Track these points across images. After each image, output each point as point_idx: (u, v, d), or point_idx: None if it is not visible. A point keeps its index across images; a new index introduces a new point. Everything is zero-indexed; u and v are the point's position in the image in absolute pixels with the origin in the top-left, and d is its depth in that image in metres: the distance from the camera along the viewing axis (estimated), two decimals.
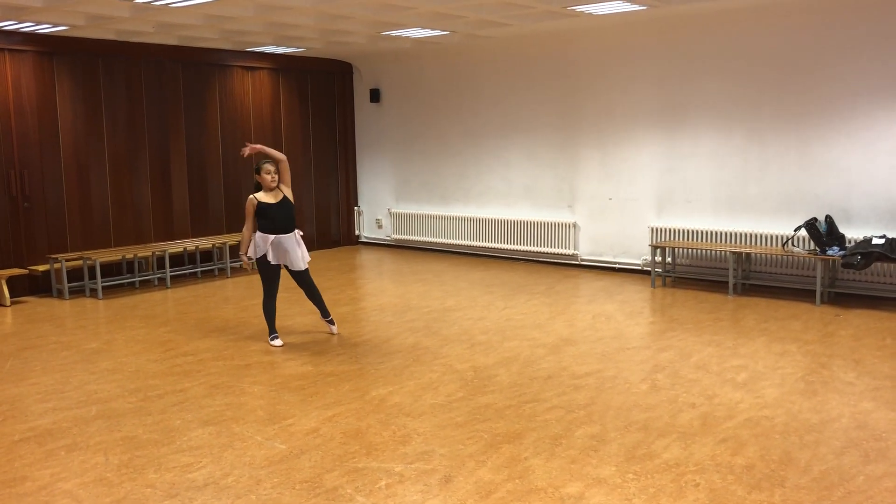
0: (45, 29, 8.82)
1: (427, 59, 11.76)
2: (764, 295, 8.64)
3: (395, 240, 12.74)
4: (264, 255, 6.59)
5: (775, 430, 4.69)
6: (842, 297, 8.40)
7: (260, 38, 10.08)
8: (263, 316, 6.91)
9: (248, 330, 7.41)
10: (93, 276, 9.39)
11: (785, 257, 8.73)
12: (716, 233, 9.27)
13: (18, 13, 7.88)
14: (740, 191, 9.09)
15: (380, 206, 12.97)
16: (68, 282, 9.22)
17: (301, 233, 6.87)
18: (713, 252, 9.31)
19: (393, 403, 5.27)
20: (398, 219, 12.62)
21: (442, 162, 11.97)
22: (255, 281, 8.92)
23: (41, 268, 9.27)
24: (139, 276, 9.83)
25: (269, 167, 6.63)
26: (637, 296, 8.78)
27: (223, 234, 11.19)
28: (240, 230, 10.33)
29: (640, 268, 10.05)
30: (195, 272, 10.47)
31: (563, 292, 9.02)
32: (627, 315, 7.83)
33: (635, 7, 8.21)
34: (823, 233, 8.15)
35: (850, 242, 8.20)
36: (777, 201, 8.84)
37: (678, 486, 3.96)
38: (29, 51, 9.12)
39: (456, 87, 11.63)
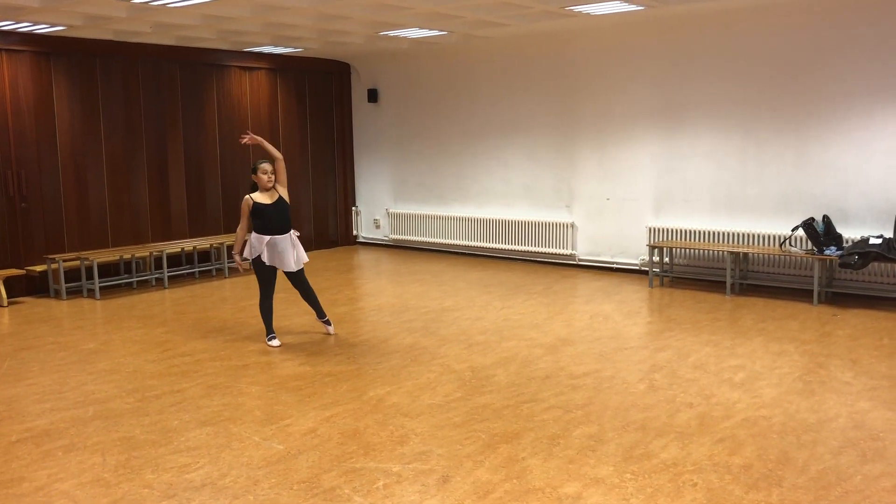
0: (42, 29, 8.81)
1: (425, 60, 11.76)
2: (761, 295, 8.65)
3: (393, 240, 12.73)
4: (259, 256, 6.58)
5: (773, 430, 4.69)
6: (839, 297, 8.41)
7: (257, 39, 10.07)
8: (261, 316, 6.90)
9: (245, 330, 7.40)
10: (90, 277, 9.38)
11: (782, 257, 8.74)
12: (713, 233, 9.28)
13: (16, 13, 7.87)
14: (738, 191, 9.10)
15: (378, 207, 12.97)
16: (66, 282, 9.21)
17: (297, 233, 6.86)
18: (711, 252, 9.32)
19: (391, 404, 5.27)
20: (396, 219, 12.62)
21: (440, 162, 11.97)
22: (253, 281, 8.91)
23: (38, 268, 9.26)
24: (137, 277, 9.82)
25: (266, 167, 6.61)
26: (635, 296, 8.78)
27: (221, 234, 11.19)
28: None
29: (637, 268, 10.06)
30: (193, 272, 10.46)
31: (561, 292, 9.03)
32: (625, 315, 7.83)
33: (633, 7, 8.21)
34: (821, 233, 8.16)
35: (847, 242, 8.21)
36: (775, 201, 8.85)
37: (676, 486, 3.96)
38: (26, 51, 9.11)
39: (454, 87, 11.63)
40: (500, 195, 11.34)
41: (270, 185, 6.62)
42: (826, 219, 8.23)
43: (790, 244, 8.57)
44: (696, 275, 9.49)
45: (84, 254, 9.38)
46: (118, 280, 9.70)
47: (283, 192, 6.71)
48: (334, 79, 12.75)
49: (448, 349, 6.62)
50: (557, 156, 10.64)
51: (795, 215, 8.65)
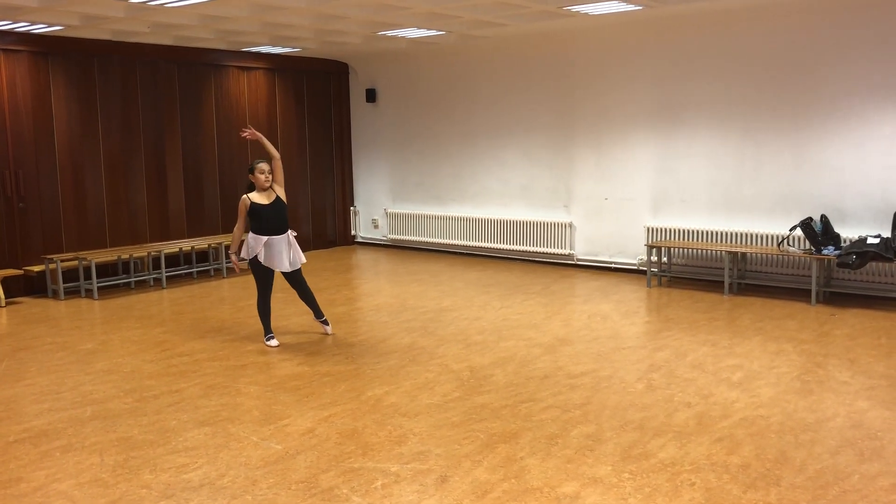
0: (39, 29, 8.80)
1: (423, 59, 11.76)
2: (759, 294, 8.66)
3: (392, 240, 12.73)
4: (256, 256, 6.57)
5: (771, 430, 4.70)
6: (837, 297, 8.42)
7: (255, 39, 10.07)
8: (259, 316, 6.89)
9: (243, 330, 7.40)
10: (88, 277, 9.37)
11: (780, 257, 8.75)
12: (711, 232, 9.28)
13: (13, 13, 7.86)
14: (736, 191, 9.11)
15: (376, 207, 12.97)
16: (63, 282, 9.20)
17: (295, 233, 6.85)
18: (709, 252, 9.32)
19: (389, 403, 5.27)
20: (394, 219, 12.62)
21: (438, 162, 11.97)
22: (251, 281, 8.91)
23: (36, 268, 9.25)
24: (135, 277, 9.82)
25: (264, 167, 6.59)
26: (633, 295, 8.79)
27: (219, 234, 11.18)
28: None
29: (635, 267, 10.06)
30: (191, 272, 10.46)
31: (559, 292, 9.03)
32: (623, 315, 7.83)
33: (631, 7, 8.21)
34: (819, 232, 8.16)
35: (845, 242, 8.22)
36: (772, 201, 8.86)
37: (674, 486, 3.97)
38: (24, 51, 9.10)
39: (452, 87, 11.63)
40: (498, 195, 11.34)
41: (268, 184, 6.60)
42: (824, 218, 8.24)
43: (788, 244, 8.57)
44: (694, 274, 9.50)
45: (82, 254, 9.38)
46: (116, 280, 9.69)
47: (281, 191, 6.69)
48: (332, 79, 12.74)
49: (446, 349, 6.62)
50: (555, 156, 10.64)
51: (793, 215, 8.66)
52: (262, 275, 6.67)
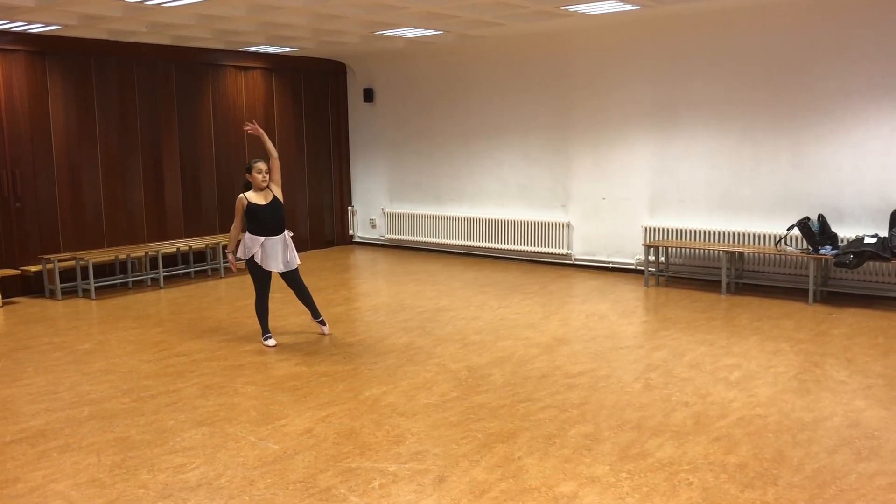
0: (36, 28, 8.78)
1: (420, 59, 11.75)
2: (757, 294, 8.66)
3: (389, 240, 12.73)
4: (253, 257, 6.55)
5: (768, 429, 4.70)
6: (834, 296, 8.43)
7: (253, 38, 10.06)
8: (256, 316, 6.89)
9: (241, 330, 7.39)
10: (85, 277, 9.35)
11: (778, 256, 8.76)
12: (709, 232, 9.29)
13: (10, 13, 7.85)
14: (733, 190, 9.12)
15: (374, 206, 12.97)
16: (61, 282, 9.19)
17: (291, 233, 6.83)
18: (706, 251, 9.33)
19: (387, 403, 5.27)
20: (392, 219, 12.62)
21: (436, 161, 11.96)
22: (249, 281, 8.91)
23: (33, 268, 9.24)
24: (132, 277, 9.80)
25: (261, 166, 6.57)
26: (630, 295, 8.79)
27: (216, 234, 11.17)
28: None
29: (633, 267, 10.07)
30: (188, 272, 10.45)
31: (557, 292, 9.03)
32: (621, 314, 7.84)
33: (628, 7, 8.22)
34: (816, 232, 8.17)
35: (842, 241, 8.23)
36: (770, 201, 8.87)
37: (671, 485, 3.97)
38: (21, 50, 9.09)
39: (450, 86, 11.63)
40: (495, 195, 11.34)
41: (265, 184, 6.59)
42: (821, 218, 8.25)
43: (785, 243, 8.58)
44: (692, 274, 9.51)
45: (79, 254, 9.36)
46: (113, 280, 9.68)
47: (278, 191, 6.67)
48: (330, 78, 12.74)
49: (444, 349, 6.62)
50: (553, 155, 10.64)
51: (791, 214, 8.67)
52: (260, 275, 6.66)
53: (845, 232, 8.34)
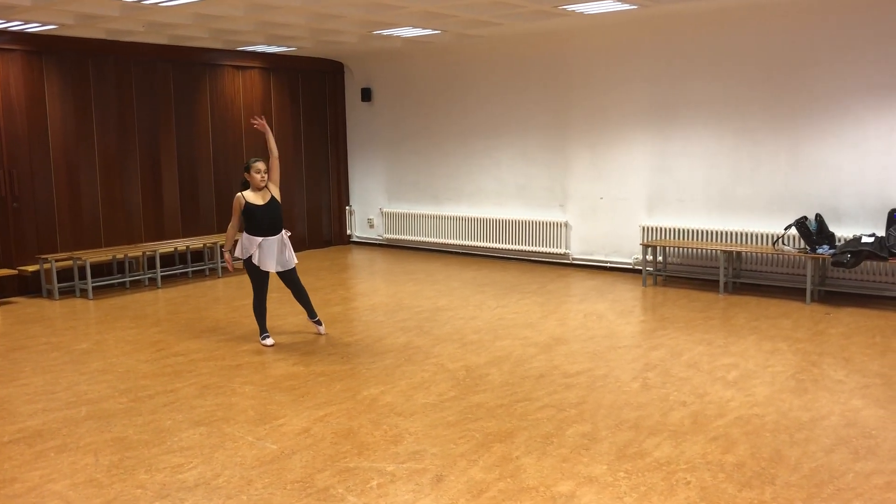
0: (34, 28, 8.77)
1: (418, 59, 11.75)
2: (754, 293, 8.67)
3: (387, 239, 12.73)
4: (251, 257, 6.54)
5: (766, 428, 4.71)
6: (832, 296, 8.44)
7: (251, 38, 10.05)
8: (254, 316, 6.88)
9: (239, 330, 7.39)
10: (83, 277, 9.34)
11: (775, 256, 8.76)
12: (707, 232, 9.30)
13: (7, 12, 7.84)
14: (731, 190, 9.12)
15: (371, 206, 12.96)
16: (58, 282, 9.18)
17: (289, 233, 6.82)
18: (704, 251, 9.34)
19: (384, 403, 5.27)
20: (390, 218, 12.61)
21: (434, 161, 11.96)
22: (246, 281, 8.90)
23: (31, 268, 9.23)
24: (130, 277, 9.79)
25: (260, 166, 6.55)
26: (628, 295, 8.80)
27: (214, 233, 11.16)
28: None
29: (631, 267, 10.07)
30: (186, 272, 10.44)
31: (555, 291, 9.04)
32: (619, 314, 7.84)
33: (626, 6, 8.22)
34: (813, 231, 8.18)
35: (839, 241, 8.24)
36: (767, 200, 8.88)
37: (669, 485, 3.97)
38: (18, 50, 9.07)
39: (447, 86, 11.63)
40: (493, 194, 11.34)
41: (263, 184, 6.57)
42: (819, 217, 8.26)
43: (783, 243, 8.59)
44: (690, 274, 9.51)
45: (77, 253, 9.35)
46: (111, 280, 9.67)
47: (276, 191, 6.66)
48: (328, 78, 12.73)
49: (442, 348, 6.62)
50: (551, 155, 10.64)
51: (788, 214, 8.67)
52: (257, 275, 6.65)
53: (843, 231, 8.35)
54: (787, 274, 8.80)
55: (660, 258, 9.59)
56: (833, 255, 7.95)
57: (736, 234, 9.07)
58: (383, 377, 5.84)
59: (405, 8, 8.36)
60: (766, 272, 8.96)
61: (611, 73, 9.91)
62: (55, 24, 8.48)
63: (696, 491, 3.90)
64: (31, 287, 9.38)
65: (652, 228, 9.74)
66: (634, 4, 8.14)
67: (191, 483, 4.08)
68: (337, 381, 5.77)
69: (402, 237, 12.46)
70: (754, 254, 8.98)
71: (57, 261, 9.13)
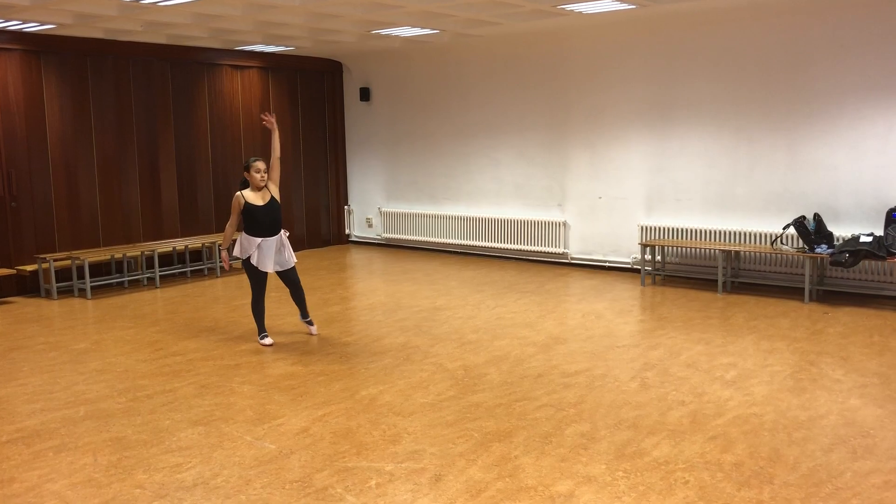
0: (32, 27, 8.76)
1: (417, 58, 11.75)
2: (753, 293, 8.68)
3: (386, 239, 12.73)
4: (250, 258, 6.53)
5: (764, 428, 4.71)
6: (830, 295, 8.45)
7: (249, 37, 10.05)
8: (252, 315, 6.88)
9: (237, 329, 7.39)
10: (81, 276, 9.34)
11: (774, 255, 8.77)
12: (705, 231, 9.30)
13: (5, 11, 7.83)
14: (729, 189, 9.13)
15: (370, 205, 12.96)
16: (56, 282, 9.17)
17: (288, 233, 6.81)
18: (702, 250, 9.34)
19: (383, 403, 5.27)
20: (388, 218, 12.61)
21: (432, 161, 11.96)
22: (245, 280, 8.90)
23: (29, 268, 9.22)
24: (128, 276, 9.79)
25: (260, 165, 6.52)
26: (627, 294, 8.80)
27: (212, 233, 11.16)
28: None
29: (629, 266, 10.08)
30: (184, 272, 10.43)
31: (554, 291, 9.04)
32: (617, 313, 7.85)
33: (625, 6, 8.22)
34: (812, 231, 8.19)
35: (838, 240, 8.25)
36: (766, 200, 8.88)
37: (668, 484, 3.97)
38: (16, 49, 9.06)
39: (446, 85, 11.63)
40: (491, 194, 11.34)
41: (263, 184, 6.55)
42: (817, 217, 8.27)
43: (781, 242, 8.60)
44: (688, 273, 9.52)
45: (75, 253, 9.34)
46: (109, 279, 9.66)
47: (275, 190, 6.64)
48: (326, 77, 12.73)
49: (440, 348, 6.62)
50: (549, 155, 10.65)
51: (786, 213, 8.68)
52: (256, 275, 6.64)
53: (841, 231, 8.35)
54: (786, 273, 8.81)
55: (658, 258, 9.60)
56: (831, 254, 7.95)
57: (734, 233, 9.08)
58: (382, 377, 5.84)
59: (403, 7, 8.36)
60: (765, 272, 8.96)
61: (609, 73, 9.91)
62: (53, 24, 8.48)
63: (695, 490, 3.90)
64: (29, 287, 9.37)
65: (650, 228, 9.75)
66: (633, 4, 8.14)
67: (189, 483, 4.08)
68: (335, 380, 5.77)
69: (401, 237, 12.46)
70: (753, 253, 8.99)
71: (55, 260, 9.12)
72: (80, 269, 9.38)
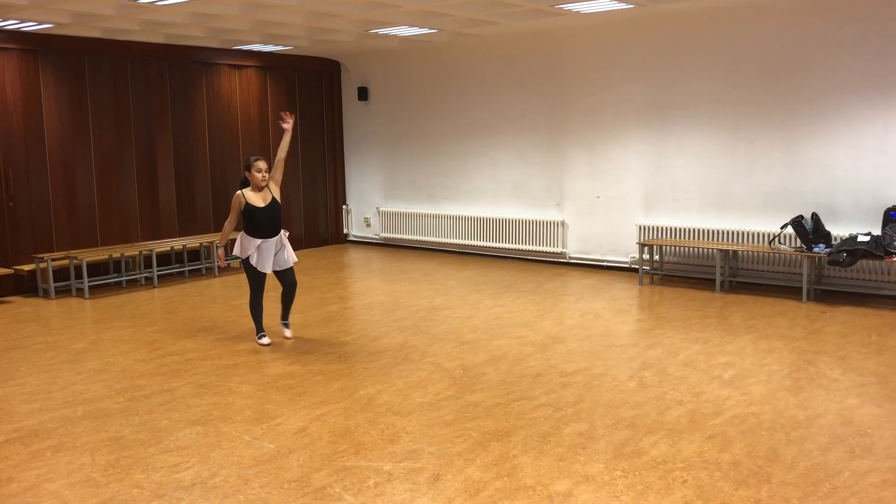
0: (29, 27, 8.75)
1: (415, 58, 11.75)
2: (751, 292, 8.69)
3: (384, 238, 12.72)
4: (249, 258, 6.51)
5: (762, 427, 4.72)
6: (828, 295, 8.46)
7: (247, 37, 10.04)
8: (251, 315, 6.87)
9: (235, 329, 7.38)
10: (79, 276, 9.33)
11: (772, 255, 8.78)
12: (703, 231, 9.31)
13: (2, 11, 7.82)
14: (727, 189, 9.14)
15: (368, 205, 12.96)
16: (54, 281, 9.16)
17: (287, 233, 6.80)
18: (700, 250, 9.35)
19: (381, 402, 5.27)
20: (386, 217, 12.61)
21: (430, 160, 11.96)
22: (243, 280, 8.89)
23: (27, 267, 9.21)
24: (126, 276, 9.78)
25: (261, 165, 6.47)
26: (625, 293, 8.81)
27: (210, 232, 11.15)
28: None
29: (627, 266, 10.08)
30: (182, 271, 10.43)
31: (552, 290, 9.04)
32: (615, 313, 7.85)
33: (623, 6, 8.22)
34: (809, 230, 8.20)
35: (835, 240, 8.26)
36: (763, 199, 8.89)
37: (666, 483, 3.98)
38: (13, 49, 9.05)
39: (444, 85, 11.63)
40: (490, 193, 11.35)
41: (264, 184, 6.50)
42: (815, 216, 8.28)
43: (779, 242, 8.61)
44: (686, 272, 9.53)
45: (73, 253, 9.33)
46: (107, 279, 9.65)
47: (276, 191, 6.59)
48: (324, 77, 12.72)
49: (439, 347, 6.62)
50: (547, 154, 10.65)
51: (784, 213, 8.69)
52: (255, 275, 6.62)
53: (839, 230, 8.37)
54: (784, 273, 8.82)
55: (656, 257, 9.61)
56: (829, 253, 7.96)
57: (732, 232, 9.09)
58: (380, 376, 5.84)
59: (401, 7, 8.36)
60: (763, 271, 8.97)
61: (607, 73, 9.91)
62: (51, 23, 8.46)
63: (693, 489, 3.91)
64: (27, 286, 9.36)
65: (648, 227, 9.75)
66: (631, 4, 8.14)
67: (187, 482, 4.08)
68: (334, 380, 5.77)
69: (399, 236, 12.46)
70: (751, 253, 8.99)
71: (53, 260, 9.11)
72: (78, 268, 9.37)
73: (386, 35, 10.10)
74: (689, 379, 5.67)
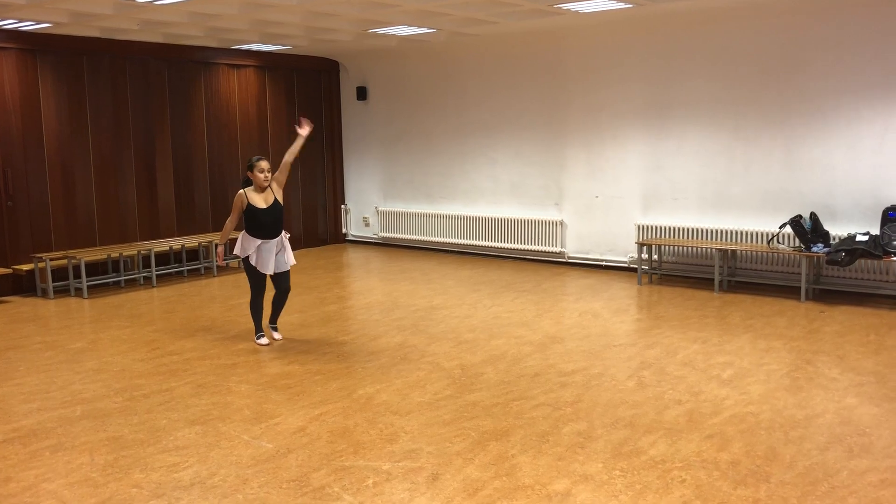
0: (28, 26, 8.74)
1: (414, 57, 11.74)
2: (749, 292, 8.69)
3: (383, 238, 12.72)
4: (249, 258, 6.50)
5: (760, 426, 4.72)
6: (826, 294, 8.47)
7: (246, 36, 10.04)
8: (250, 314, 6.86)
9: (234, 329, 7.38)
10: (78, 276, 9.32)
11: (770, 254, 8.79)
12: (702, 230, 9.31)
13: (1, 10, 7.81)
14: (726, 188, 9.14)
15: (367, 205, 12.96)
16: (53, 281, 9.15)
17: (289, 234, 6.79)
18: (699, 249, 9.35)
19: (380, 402, 5.27)
20: (385, 217, 12.61)
21: (429, 160, 11.96)
22: (242, 280, 8.89)
23: (25, 267, 9.20)
24: (125, 276, 9.77)
25: (263, 165, 6.44)
26: (623, 293, 8.81)
27: (209, 232, 11.14)
28: None
29: (626, 265, 10.09)
30: (181, 271, 10.42)
31: (550, 290, 9.04)
32: (614, 312, 7.85)
33: (622, 5, 8.22)
34: (808, 230, 8.20)
35: (834, 239, 8.27)
36: (762, 199, 8.90)
37: (664, 483, 3.98)
38: (12, 48, 9.04)
39: (442, 85, 11.62)
40: (488, 193, 11.35)
41: (266, 184, 6.48)
42: (813, 216, 8.28)
43: (778, 241, 8.61)
44: (685, 272, 9.53)
45: (71, 252, 9.33)
46: (106, 279, 9.65)
47: (279, 192, 6.55)
48: (323, 76, 12.72)
49: (437, 347, 6.62)
50: (546, 154, 10.65)
51: (783, 212, 8.69)
52: (255, 275, 6.60)
53: (837, 230, 8.37)
54: (782, 272, 8.82)
55: (655, 257, 9.61)
56: (828, 253, 7.97)
57: (731, 232, 9.09)
58: (379, 376, 5.84)
59: (400, 6, 8.35)
60: (761, 270, 8.98)
61: (606, 72, 9.91)
62: (49, 23, 8.46)
63: (692, 489, 3.91)
64: (25, 286, 9.35)
65: (647, 227, 9.76)
66: (630, 3, 8.15)
67: (186, 482, 4.08)
68: (332, 379, 5.77)
69: (398, 236, 12.46)
70: (749, 252, 9.00)
71: (51, 260, 9.11)
72: (77, 268, 9.36)
73: (385, 35, 10.10)
74: (687, 378, 5.68)
